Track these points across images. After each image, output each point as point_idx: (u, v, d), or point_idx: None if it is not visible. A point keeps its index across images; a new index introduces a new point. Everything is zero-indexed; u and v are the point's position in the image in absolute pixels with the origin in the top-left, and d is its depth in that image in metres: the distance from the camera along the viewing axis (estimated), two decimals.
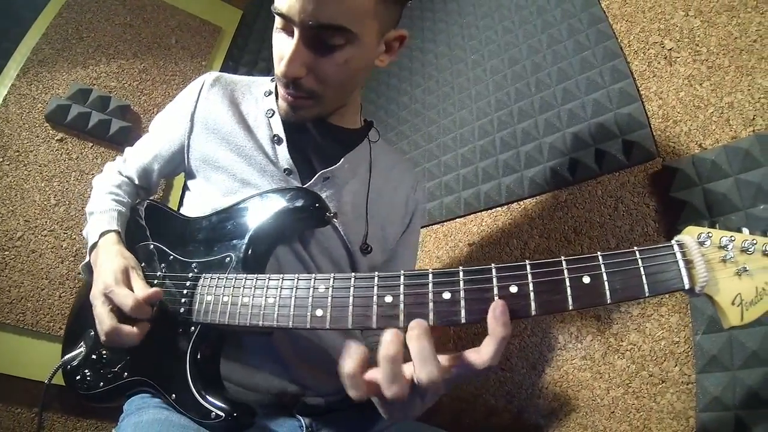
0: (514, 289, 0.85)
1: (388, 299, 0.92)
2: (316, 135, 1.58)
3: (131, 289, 1.33)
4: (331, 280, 1.01)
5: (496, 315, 0.83)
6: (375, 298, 0.94)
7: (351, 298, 0.97)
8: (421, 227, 2.63)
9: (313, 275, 1.05)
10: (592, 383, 1.81)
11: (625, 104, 1.98)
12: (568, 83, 2.24)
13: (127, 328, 1.29)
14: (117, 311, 1.32)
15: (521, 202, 2.30)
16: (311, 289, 1.03)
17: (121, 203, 1.64)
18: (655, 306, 1.73)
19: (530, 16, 2.60)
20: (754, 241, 0.83)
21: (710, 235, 0.85)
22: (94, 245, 1.51)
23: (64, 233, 2.65)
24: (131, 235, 1.58)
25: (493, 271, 0.88)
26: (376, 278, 0.95)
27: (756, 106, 1.64)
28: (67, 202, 2.69)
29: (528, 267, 0.86)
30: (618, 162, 1.94)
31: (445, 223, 2.69)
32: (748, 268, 0.83)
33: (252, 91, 1.66)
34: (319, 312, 1.00)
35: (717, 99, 1.74)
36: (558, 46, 2.36)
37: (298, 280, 1.07)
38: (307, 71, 1.33)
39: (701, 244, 0.84)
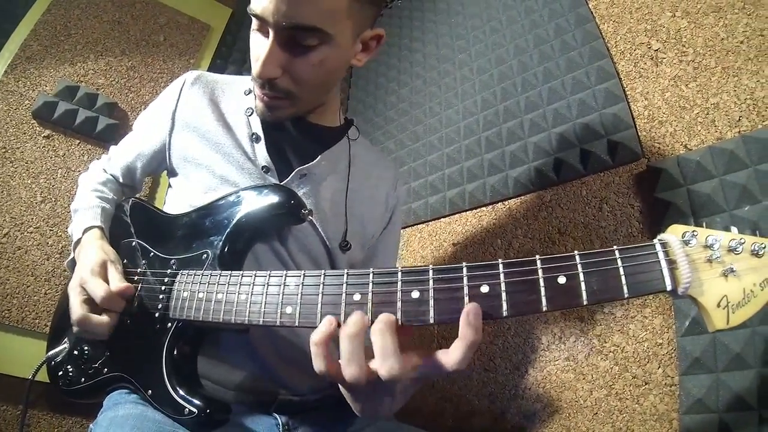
0: (485, 288, 0.83)
1: (357, 297, 0.91)
2: (294, 133, 1.59)
3: (107, 282, 1.35)
4: (302, 277, 1.01)
5: (469, 319, 0.81)
6: (344, 296, 0.93)
7: (320, 296, 0.96)
8: (407, 227, 2.64)
9: (285, 272, 1.05)
10: (575, 384, 1.81)
11: (610, 104, 1.98)
12: (554, 83, 2.24)
13: (96, 318, 1.31)
14: (90, 302, 1.33)
15: (506, 202, 2.30)
16: (282, 286, 1.03)
17: (106, 200, 1.65)
18: (638, 307, 1.73)
19: (518, 16, 2.60)
20: (742, 241, 0.80)
21: (696, 233, 0.81)
22: (78, 241, 1.53)
23: (50, 230, 2.63)
24: (115, 232, 1.58)
25: (464, 270, 0.86)
26: (345, 276, 0.95)
27: (742, 107, 1.64)
28: (53, 199, 2.67)
29: (501, 266, 0.84)
30: (603, 162, 1.94)
31: (430, 223, 2.68)
32: (735, 269, 0.79)
33: (232, 89, 1.67)
34: (288, 309, 1.00)
35: (703, 100, 1.73)
36: (545, 46, 2.36)
37: (270, 277, 1.07)
38: (283, 72, 1.33)
39: (686, 243, 0.80)
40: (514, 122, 2.35)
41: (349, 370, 0.85)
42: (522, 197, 2.23)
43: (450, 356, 0.84)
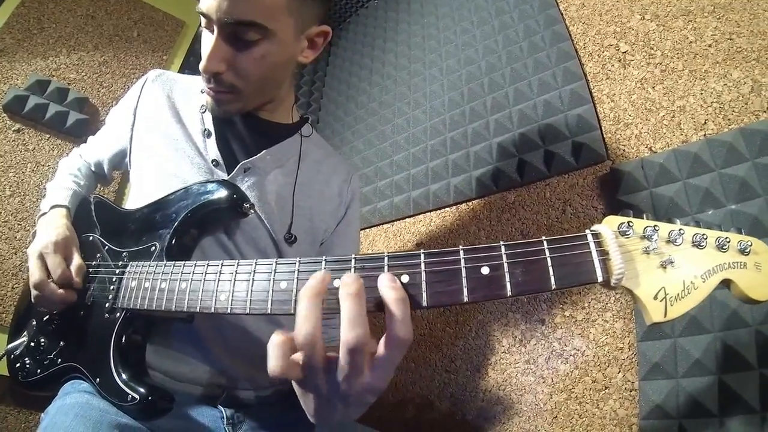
0: (405, 278, 0.82)
1: (283, 285, 0.92)
2: (242, 129, 1.62)
3: (65, 259, 1.43)
4: (236, 266, 1.02)
5: (384, 283, 0.81)
6: (272, 283, 0.93)
7: (251, 282, 0.97)
8: (372, 226, 2.64)
9: (221, 261, 1.06)
10: (535, 387, 1.80)
11: (576, 106, 1.98)
12: (520, 84, 2.24)
13: (53, 286, 1.39)
14: (47, 271, 1.41)
15: (469, 203, 2.30)
16: (218, 274, 1.04)
17: (78, 185, 1.72)
18: (599, 311, 1.73)
19: (488, 17, 2.60)
20: (682, 231, 0.79)
21: (632, 224, 0.80)
22: (44, 215, 1.60)
23: (18, 224, 2.61)
24: (78, 225, 1.61)
25: (386, 259, 0.85)
26: (274, 264, 0.95)
27: (708, 110, 1.64)
28: (22, 193, 2.66)
29: (422, 256, 0.83)
30: (567, 164, 1.93)
31: (395, 223, 2.68)
32: (674, 261, 0.78)
33: (190, 88, 1.71)
34: (222, 296, 1.01)
35: (669, 102, 1.73)
36: (513, 47, 2.36)
37: (208, 266, 1.08)
38: (227, 66, 1.38)
39: (622, 234, 0.80)
40: (479, 122, 2.35)
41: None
42: (486, 198, 2.23)
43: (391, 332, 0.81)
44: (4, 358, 1.57)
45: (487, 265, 0.80)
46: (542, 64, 2.17)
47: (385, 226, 2.73)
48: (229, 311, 0.99)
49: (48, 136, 2.84)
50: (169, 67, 3.41)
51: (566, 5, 2.25)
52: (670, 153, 1.65)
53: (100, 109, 3.06)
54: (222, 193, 1.37)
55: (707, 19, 1.74)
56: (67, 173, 1.74)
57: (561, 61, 2.10)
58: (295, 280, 0.91)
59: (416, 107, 2.83)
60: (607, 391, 1.64)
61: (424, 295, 0.80)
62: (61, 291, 1.38)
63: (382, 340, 0.82)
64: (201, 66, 1.35)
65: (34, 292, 1.40)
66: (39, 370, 1.45)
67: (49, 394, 1.44)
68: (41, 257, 1.42)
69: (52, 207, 1.60)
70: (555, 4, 2.26)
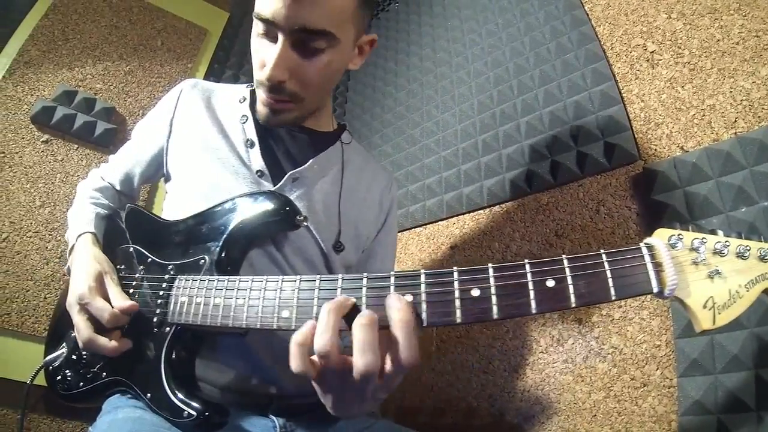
0: (476, 292, 0.85)
1: (351, 300, 0.92)
2: (287, 139, 1.62)
3: (107, 298, 1.36)
4: (298, 282, 1.02)
5: (391, 302, 0.87)
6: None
7: (316, 300, 0.98)
8: (405, 230, 2.64)
9: (281, 277, 1.06)
10: (574, 386, 1.81)
11: (606, 107, 1.98)
12: (550, 86, 2.24)
13: (104, 340, 1.31)
14: (94, 320, 1.33)
15: (503, 205, 2.30)
16: (278, 291, 1.04)
17: (101, 206, 1.68)
18: (636, 309, 1.73)
19: (513, 19, 2.60)
20: (727, 243, 0.83)
21: (681, 237, 0.84)
22: (72, 248, 1.54)
23: (49, 235, 2.63)
24: (112, 238, 1.59)
25: (455, 274, 0.87)
26: (340, 280, 0.96)
27: (738, 108, 1.64)
28: (52, 204, 2.67)
29: (491, 270, 0.86)
30: (599, 165, 1.94)
31: (427, 226, 2.68)
32: (720, 271, 0.82)
33: (227, 97, 1.70)
34: (285, 313, 1.02)
35: (699, 101, 1.74)
36: (541, 49, 2.36)
37: (267, 281, 1.08)
38: (290, 75, 1.36)
39: (672, 246, 0.83)
40: (510, 125, 2.36)
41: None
42: (519, 200, 2.23)
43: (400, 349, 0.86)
44: (42, 370, 1.54)
45: (552, 278, 0.83)
46: (571, 65, 2.17)
47: (417, 229, 2.74)
48: (293, 327, 0.99)
49: (76, 146, 2.83)
50: (194, 74, 3.41)
51: (591, 5, 2.25)
52: (701, 152, 1.66)
53: (127, 118, 3.06)
54: (274, 205, 1.37)
55: (733, 17, 1.74)
56: (87, 197, 1.70)
57: (589, 62, 2.10)
58: (364, 297, 0.92)
59: (445, 110, 2.83)
60: (645, 388, 1.64)
61: (495, 308, 0.84)
62: (114, 343, 1.30)
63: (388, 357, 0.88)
64: (264, 75, 1.34)
65: (86, 348, 1.33)
66: (81, 384, 1.43)
67: (91, 406, 1.45)
68: (83, 309, 1.34)
69: (78, 236, 1.55)
70: (580, 5, 2.26)
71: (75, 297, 1.36)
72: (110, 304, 1.34)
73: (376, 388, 0.91)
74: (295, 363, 0.91)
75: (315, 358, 0.91)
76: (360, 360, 0.85)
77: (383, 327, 0.87)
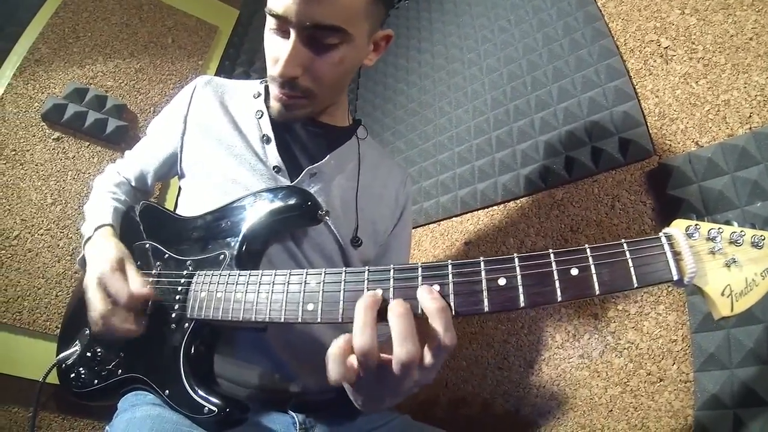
0: (502, 281, 0.86)
1: (379, 293, 0.92)
2: (303, 134, 1.62)
3: (126, 280, 1.36)
4: (323, 275, 1.02)
5: (423, 294, 0.88)
6: (365, 291, 0.94)
7: (342, 293, 0.98)
8: (418, 226, 2.65)
9: (305, 270, 1.06)
10: (590, 381, 1.81)
11: (621, 102, 1.98)
12: (563, 82, 2.24)
13: (118, 318, 1.33)
14: (110, 299, 1.34)
15: (517, 201, 2.31)
16: (303, 284, 1.04)
17: (118, 200, 1.68)
18: (652, 304, 1.74)
19: (526, 15, 2.60)
20: (743, 233, 0.84)
21: (698, 227, 0.86)
22: (89, 239, 1.54)
23: (61, 232, 2.63)
24: (128, 234, 1.59)
25: (482, 264, 0.89)
26: (366, 272, 0.96)
27: (752, 103, 1.64)
28: (63, 201, 2.68)
29: (516, 260, 0.87)
30: (614, 160, 1.94)
31: (441, 222, 2.69)
32: (737, 260, 0.84)
33: (241, 93, 1.70)
34: (310, 306, 1.01)
35: (713, 96, 1.74)
36: (554, 45, 2.37)
37: (290, 275, 1.08)
38: (303, 71, 1.36)
39: (689, 236, 0.85)
40: (524, 121, 2.36)
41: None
42: (534, 196, 2.24)
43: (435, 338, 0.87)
44: (55, 368, 1.54)
45: (576, 267, 0.85)
46: (584, 61, 2.18)
47: (431, 226, 2.75)
48: (319, 320, 1.00)
49: (88, 143, 2.84)
50: (204, 72, 3.42)
51: (604, 1, 2.25)
52: (716, 147, 1.66)
53: (138, 115, 3.06)
54: (296, 199, 1.37)
55: (746, 12, 1.74)
56: (105, 191, 1.71)
57: (603, 58, 2.10)
58: (392, 288, 0.93)
59: (458, 107, 2.84)
60: (662, 383, 1.65)
61: (521, 296, 0.85)
62: (129, 325, 1.32)
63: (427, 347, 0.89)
64: (277, 71, 1.34)
65: (99, 324, 1.35)
66: (96, 381, 1.43)
67: (105, 404, 1.45)
68: (101, 285, 1.35)
69: (96, 228, 1.54)
70: (593, 1, 2.27)
71: (95, 274, 1.37)
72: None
73: (412, 380, 0.91)
74: (334, 372, 0.91)
75: (351, 361, 0.92)
76: (401, 350, 0.85)
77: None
